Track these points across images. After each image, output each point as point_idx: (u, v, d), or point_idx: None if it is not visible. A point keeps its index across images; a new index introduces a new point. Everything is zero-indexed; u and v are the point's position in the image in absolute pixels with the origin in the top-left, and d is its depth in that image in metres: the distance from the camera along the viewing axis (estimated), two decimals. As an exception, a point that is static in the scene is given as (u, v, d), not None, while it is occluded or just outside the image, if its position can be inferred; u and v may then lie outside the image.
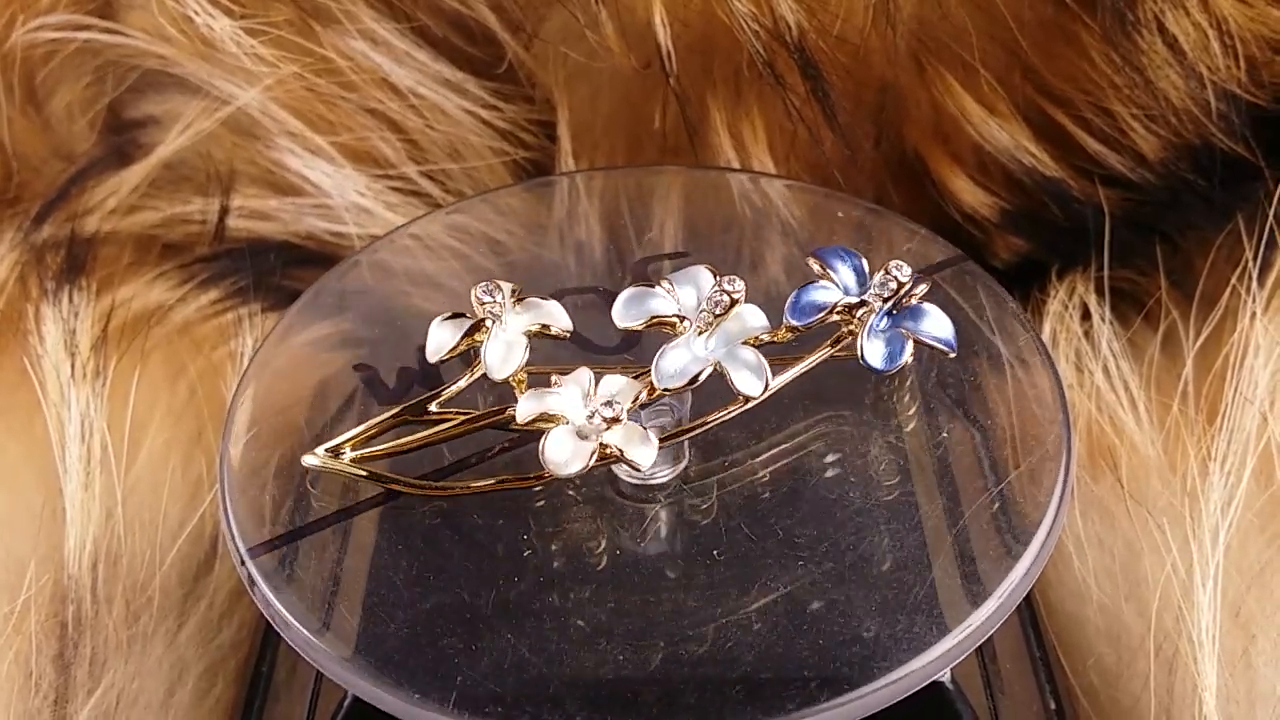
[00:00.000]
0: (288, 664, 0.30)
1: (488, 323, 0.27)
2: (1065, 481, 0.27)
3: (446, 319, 0.27)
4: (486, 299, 0.27)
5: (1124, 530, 0.33)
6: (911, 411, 0.28)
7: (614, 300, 0.27)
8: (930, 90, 0.38)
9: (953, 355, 0.28)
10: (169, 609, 0.32)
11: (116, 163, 0.40)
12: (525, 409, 0.26)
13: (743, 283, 0.27)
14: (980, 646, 0.28)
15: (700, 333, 0.26)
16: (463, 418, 0.27)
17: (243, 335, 0.38)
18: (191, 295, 0.39)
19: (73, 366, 0.35)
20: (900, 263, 0.28)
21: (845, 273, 0.28)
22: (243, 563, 0.26)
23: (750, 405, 0.26)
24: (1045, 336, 0.37)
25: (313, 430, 0.28)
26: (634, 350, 0.29)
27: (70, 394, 0.34)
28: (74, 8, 0.39)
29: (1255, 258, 0.36)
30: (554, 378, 0.26)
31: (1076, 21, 0.37)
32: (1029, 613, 0.32)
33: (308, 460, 0.26)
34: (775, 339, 0.27)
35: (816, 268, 0.28)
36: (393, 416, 0.27)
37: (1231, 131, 0.38)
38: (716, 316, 0.26)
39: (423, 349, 0.27)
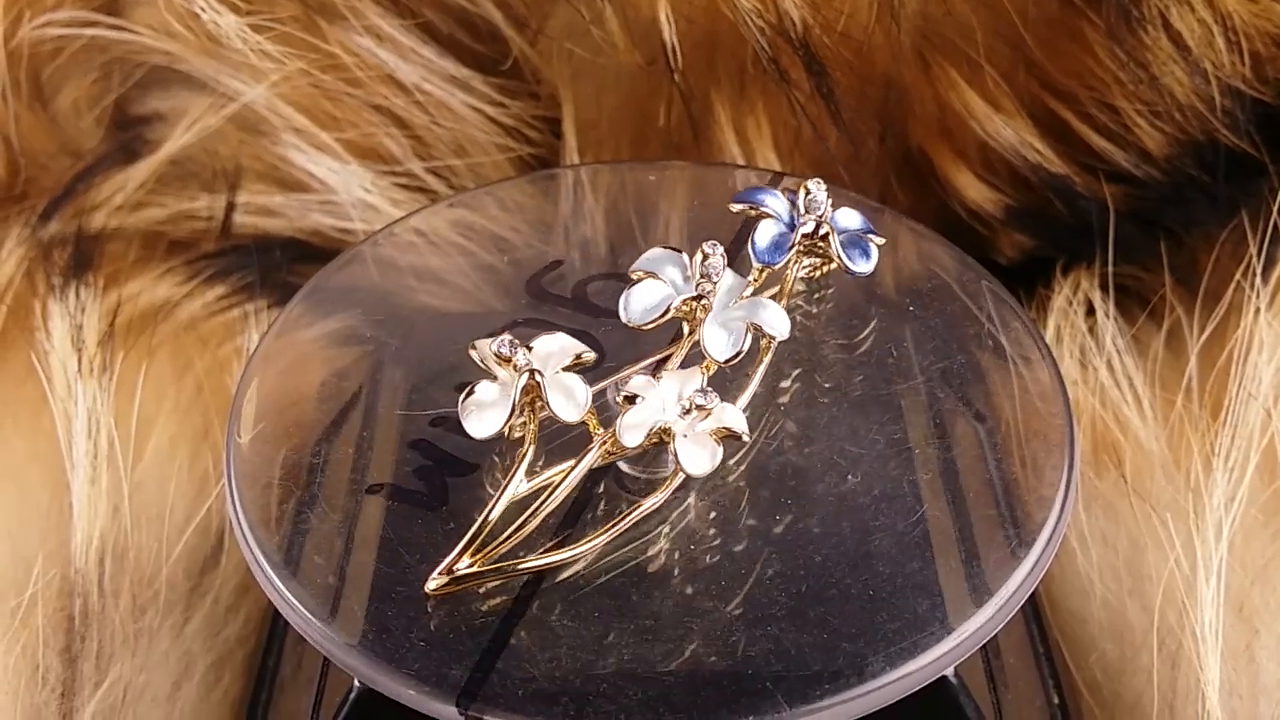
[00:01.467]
0: (294, 657, 0.30)
1: (535, 377, 0.25)
2: (1069, 480, 0.27)
3: (471, 396, 0.25)
4: (509, 352, 0.25)
5: (1128, 526, 0.33)
6: (915, 408, 0.28)
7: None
8: (935, 86, 0.38)
9: (880, 240, 0.29)
10: (175, 603, 0.32)
11: (123, 159, 0.40)
12: (632, 434, 0.25)
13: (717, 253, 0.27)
14: (985, 643, 0.28)
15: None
16: (564, 473, 0.25)
17: (249, 331, 0.38)
18: (198, 291, 0.39)
19: (79, 362, 0.35)
20: (816, 182, 0.29)
21: (777, 204, 0.28)
22: (250, 549, 0.26)
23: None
24: (1050, 333, 0.37)
25: (321, 412, 0.28)
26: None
27: (77, 389, 0.34)
28: (80, 4, 0.39)
29: (1259, 254, 0.36)
30: (609, 393, 0.26)
31: (1081, 17, 0.37)
32: (1033, 608, 0.32)
33: (431, 587, 0.24)
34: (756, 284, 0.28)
35: (750, 211, 0.28)
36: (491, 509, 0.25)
37: (1236, 127, 0.38)
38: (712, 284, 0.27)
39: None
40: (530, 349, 0.25)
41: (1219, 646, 0.30)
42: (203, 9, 0.37)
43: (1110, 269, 0.38)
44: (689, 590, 0.25)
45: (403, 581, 0.25)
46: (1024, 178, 0.39)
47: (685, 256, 0.27)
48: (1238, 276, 0.36)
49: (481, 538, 0.24)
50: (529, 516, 0.25)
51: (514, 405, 0.25)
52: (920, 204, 0.40)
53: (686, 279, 0.27)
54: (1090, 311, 0.38)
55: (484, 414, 0.25)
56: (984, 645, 0.28)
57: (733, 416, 0.26)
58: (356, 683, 0.25)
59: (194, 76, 0.39)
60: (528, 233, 0.33)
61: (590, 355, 0.26)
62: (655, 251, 0.27)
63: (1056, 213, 0.39)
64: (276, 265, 0.40)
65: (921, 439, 0.28)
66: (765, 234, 0.28)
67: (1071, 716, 0.31)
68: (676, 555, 0.25)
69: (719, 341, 0.26)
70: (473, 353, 0.26)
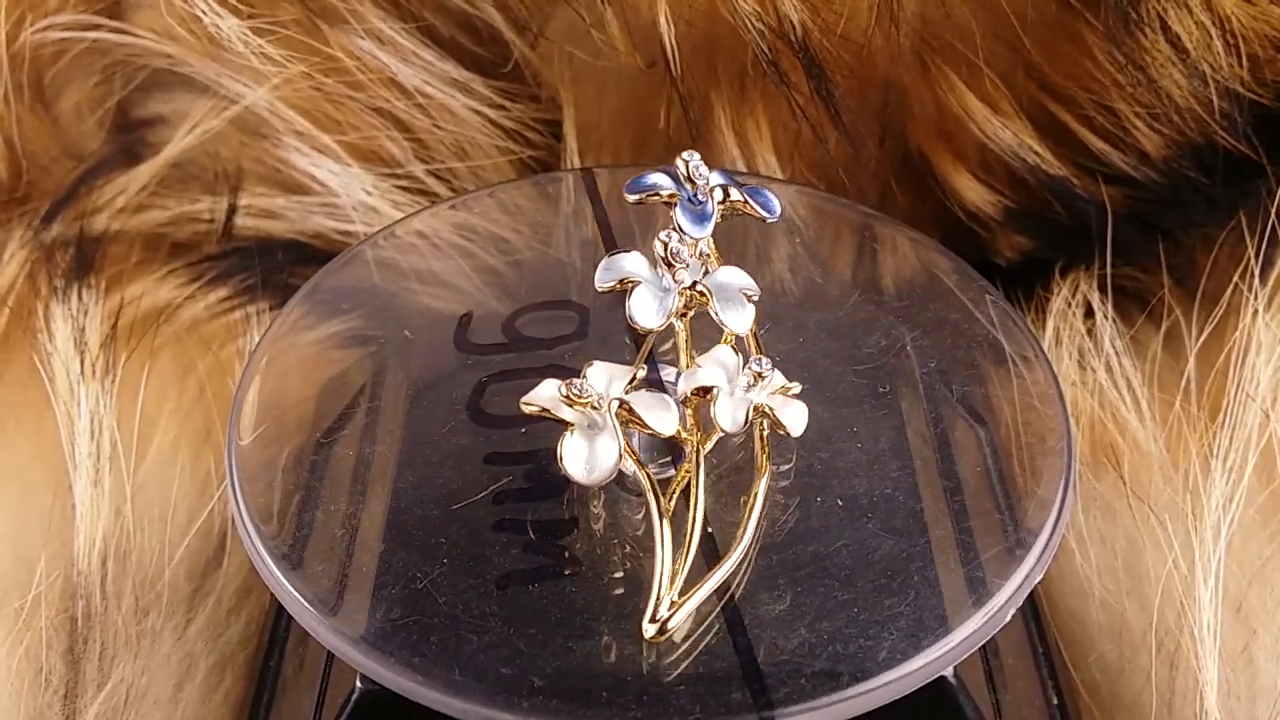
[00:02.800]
0: (296, 659, 0.31)
1: (623, 405, 0.25)
2: (1067, 481, 0.27)
3: (569, 441, 0.25)
4: (583, 391, 0.25)
5: (1126, 526, 0.33)
6: (914, 410, 0.29)
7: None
8: (934, 89, 0.38)
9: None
10: (178, 604, 0.32)
11: (125, 162, 0.40)
12: (731, 419, 0.25)
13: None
14: (984, 643, 0.28)
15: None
16: (681, 483, 0.25)
17: (251, 333, 0.38)
18: (200, 293, 0.39)
19: (82, 364, 0.35)
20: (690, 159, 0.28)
21: (660, 178, 0.28)
22: (253, 542, 0.26)
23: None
24: (1048, 334, 0.37)
25: (322, 413, 0.28)
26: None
27: (80, 391, 0.34)
28: (82, 7, 0.39)
29: (1257, 255, 0.36)
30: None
31: (1079, 20, 0.37)
32: (1031, 609, 0.32)
33: (649, 632, 0.24)
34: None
35: (641, 198, 0.28)
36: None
37: (1234, 129, 0.38)
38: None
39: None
40: (592, 375, 0.25)
41: (1217, 647, 0.30)
42: (204, 12, 0.37)
43: (1109, 270, 0.38)
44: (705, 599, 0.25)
45: (406, 576, 0.25)
46: (1022, 179, 0.39)
47: (639, 256, 0.27)
48: (1236, 278, 0.36)
49: (667, 572, 0.24)
50: (689, 536, 0.25)
51: (617, 434, 0.25)
52: (919, 206, 0.40)
53: (657, 273, 0.27)
54: (1089, 313, 0.38)
55: (596, 454, 0.25)
56: (983, 646, 0.28)
57: (779, 375, 0.26)
58: (358, 684, 0.25)
59: (196, 79, 0.39)
60: (528, 234, 0.33)
61: (642, 373, 0.26)
62: (613, 261, 0.27)
63: (1055, 214, 0.39)
64: (278, 267, 0.40)
65: (921, 441, 0.28)
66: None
67: (1070, 717, 0.31)
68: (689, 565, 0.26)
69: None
70: (529, 408, 0.25)
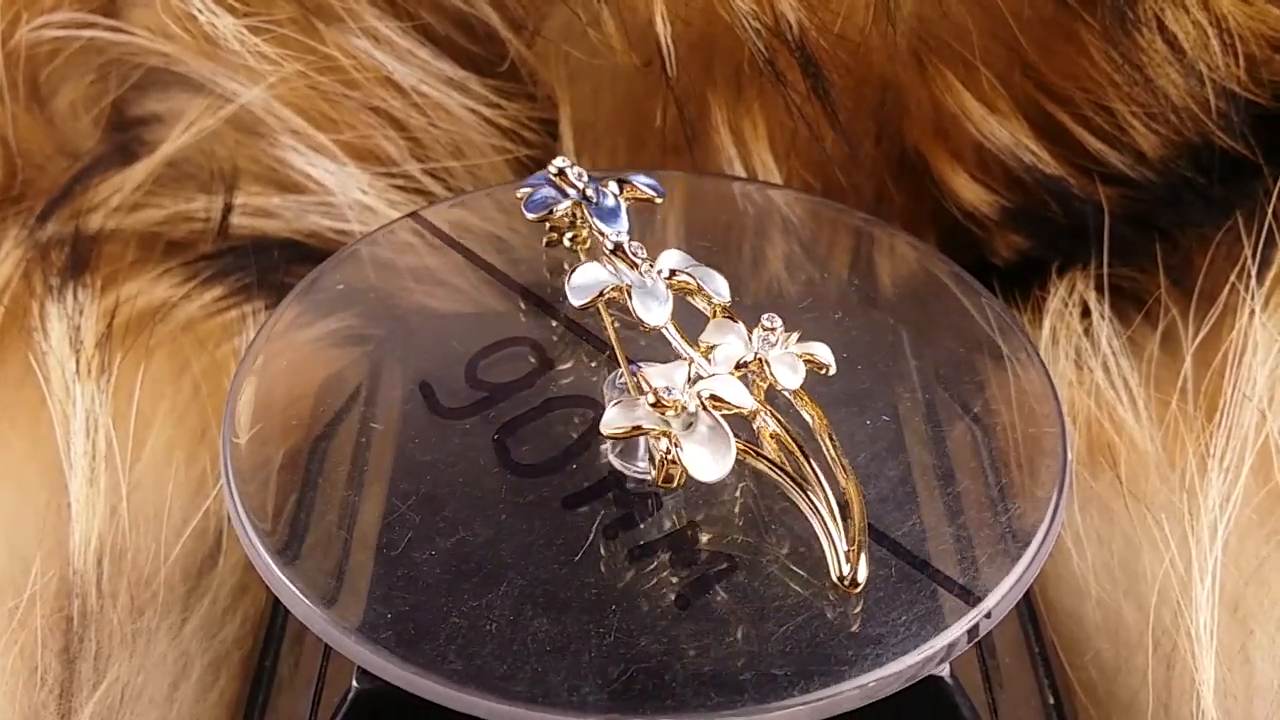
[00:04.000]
0: (291, 658, 0.31)
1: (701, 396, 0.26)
2: (1063, 481, 0.27)
3: (692, 438, 0.25)
4: (672, 397, 0.25)
5: (1123, 526, 0.33)
6: (911, 411, 0.29)
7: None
8: (931, 88, 0.38)
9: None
10: (173, 604, 0.32)
11: (120, 160, 0.40)
12: (791, 376, 0.26)
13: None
14: (980, 642, 0.28)
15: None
16: (781, 453, 0.26)
17: (246, 332, 0.38)
18: (195, 292, 0.39)
19: (77, 363, 0.35)
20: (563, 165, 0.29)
21: (549, 192, 0.29)
22: (249, 536, 0.26)
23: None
24: (1045, 334, 0.38)
25: (318, 411, 0.28)
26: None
27: (75, 390, 0.34)
28: (78, 6, 0.39)
29: (1254, 255, 0.36)
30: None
31: (1076, 19, 0.37)
32: (1028, 608, 0.32)
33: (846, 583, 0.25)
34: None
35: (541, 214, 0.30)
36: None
37: (1231, 129, 0.38)
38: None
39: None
40: (653, 378, 0.25)
41: (1214, 646, 0.30)
42: (200, 11, 0.37)
43: (1105, 270, 0.38)
44: (687, 585, 0.25)
45: (403, 570, 0.25)
46: (1019, 179, 0.39)
47: (598, 266, 0.27)
48: (1232, 278, 0.36)
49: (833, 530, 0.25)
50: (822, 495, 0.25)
51: (720, 423, 0.25)
52: (916, 205, 0.40)
53: (639, 274, 0.27)
54: (1085, 313, 0.38)
55: (716, 448, 0.25)
56: (980, 645, 0.28)
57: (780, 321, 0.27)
58: (354, 683, 0.25)
59: (191, 78, 0.39)
60: (526, 233, 0.33)
61: (695, 361, 0.26)
62: (578, 278, 0.27)
63: (1052, 214, 0.39)
64: (274, 266, 0.40)
65: (917, 441, 0.28)
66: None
67: (1066, 716, 0.31)
68: (673, 551, 0.26)
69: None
70: (615, 431, 0.25)
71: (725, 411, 0.25)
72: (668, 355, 0.27)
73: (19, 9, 0.39)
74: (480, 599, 0.25)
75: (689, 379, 0.25)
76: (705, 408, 0.25)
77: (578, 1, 0.37)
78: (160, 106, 0.40)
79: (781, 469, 0.26)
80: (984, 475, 0.27)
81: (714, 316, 0.27)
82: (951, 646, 0.24)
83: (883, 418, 0.28)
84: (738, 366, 0.26)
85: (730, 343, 0.26)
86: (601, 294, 0.27)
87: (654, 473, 0.25)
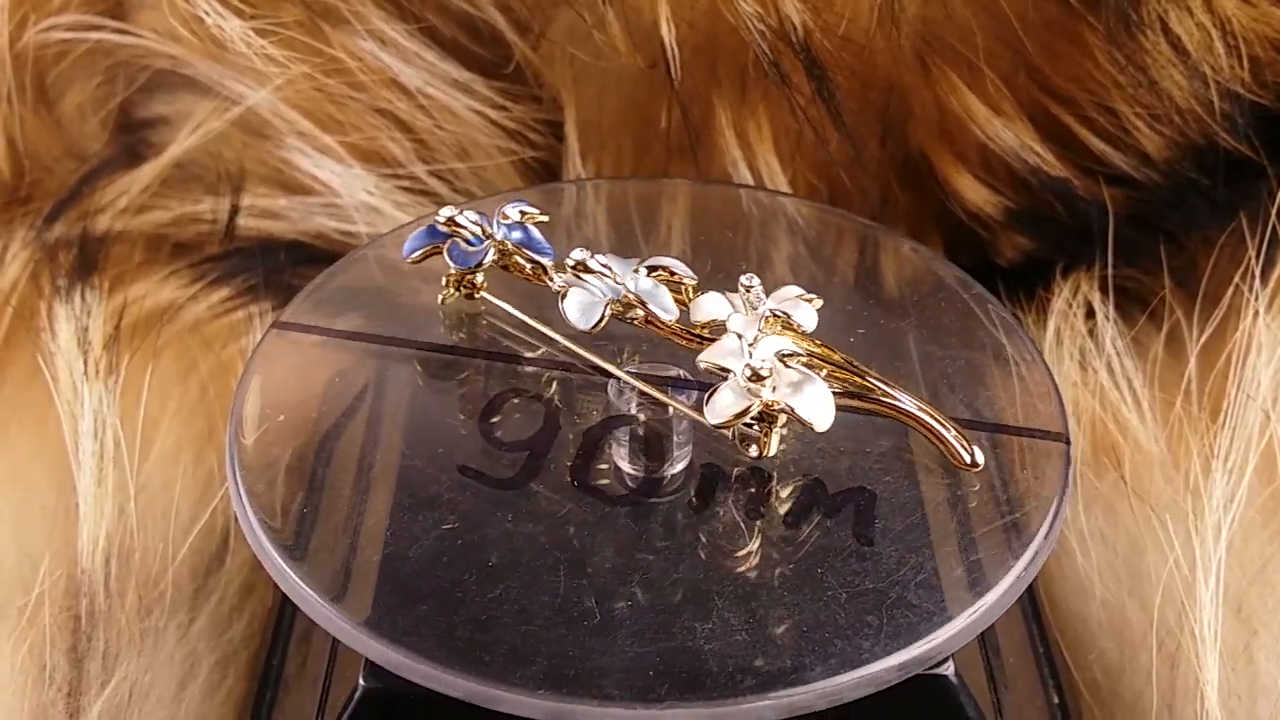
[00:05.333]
0: (299, 657, 0.31)
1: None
2: (1066, 477, 0.27)
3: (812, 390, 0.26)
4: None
5: (1127, 526, 0.33)
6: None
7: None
8: (935, 90, 0.38)
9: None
10: (181, 603, 0.32)
11: (128, 162, 0.40)
12: (809, 319, 0.28)
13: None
14: (984, 641, 0.28)
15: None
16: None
17: (253, 333, 0.38)
18: (202, 293, 0.39)
19: (85, 363, 0.35)
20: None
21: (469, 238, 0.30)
22: (254, 531, 0.26)
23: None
24: (1050, 334, 0.38)
25: (325, 411, 0.29)
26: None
27: (83, 390, 0.35)
28: (85, 8, 0.39)
29: (1258, 256, 0.36)
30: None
31: (1081, 21, 0.37)
32: (1032, 608, 0.32)
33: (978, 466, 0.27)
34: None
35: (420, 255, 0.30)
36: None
37: (1235, 131, 0.38)
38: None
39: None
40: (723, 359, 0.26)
41: (1217, 646, 0.30)
42: (207, 13, 0.37)
43: (1110, 271, 0.39)
44: (690, 579, 0.25)
45: (410, 566, 0.25)
46: (1024, 180, 0.39)
47: (591, 290, 0.28)
48: (1236, 279, 0.36)
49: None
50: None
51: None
52: (921, 207, 0.40)
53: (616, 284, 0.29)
54: (1090, 314, 0.38)
55: (821, 399, 0.26)
56: (984, 644, 0.28)
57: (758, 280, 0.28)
58: (361, 682, 0.25)
59: (198, 80, 0.39)
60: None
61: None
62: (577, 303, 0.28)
63: (1056, 215, 0.39)
64: (280, 268, 0.40)
65: (922, 442, 0.28)
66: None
67: (1071, 716, 0.31)
68: (678, 546, 0.26)
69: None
70: (724, 419, 0.26)
71: (797, 362, 0.26)
72: (656, 356, 0.29)
73: (27, 11, 0.39)
74: (488, 594, 0.25)
75: (751, 345, 0.26)
76: (787, 365, 0.26)
77: (583, 4, 0.37)
78: (167, 108, 0.40)
79: (863, 396, 0.27)
80: (988, 471, 0.27)
81: (689, 298, 0.28)
82: (956, 636, 0.24)
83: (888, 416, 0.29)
84: (770, 319, 0.27)
85: (723, 308, 0.27)
86: (603, 316, 0.28)
87: (753, 449, 0.27)
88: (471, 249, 0.30)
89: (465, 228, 0.30)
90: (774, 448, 0.27)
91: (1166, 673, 0.30)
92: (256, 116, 0.39)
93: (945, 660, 0.25)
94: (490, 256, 0.30)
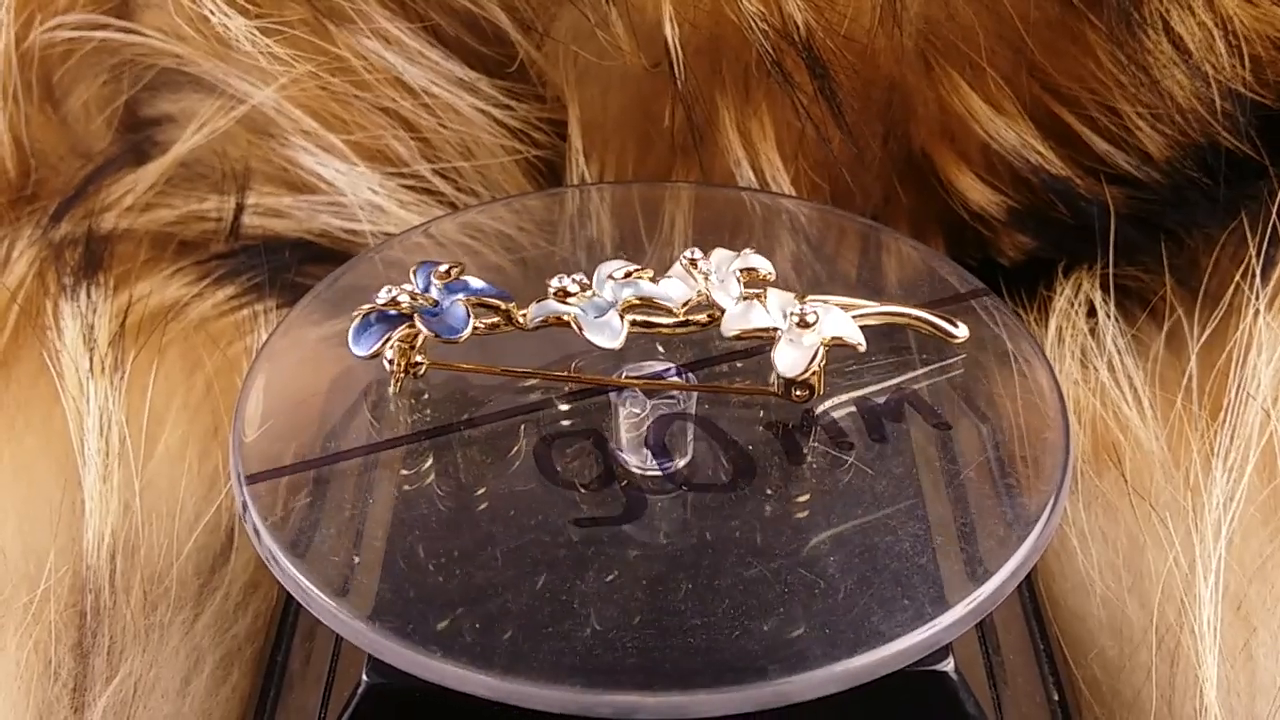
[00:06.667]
0: (303, 653, 0.31)
1: None
2: (1065, 470, 0.27)
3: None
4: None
5: (1127, 524, 0.33)
6: (919, 408, 0.29)
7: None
8: (937, 89, 0.38)
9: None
10: (186, 599, 0.32)
11: (133, 160, 0.40)
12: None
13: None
14: (984, 638, 0.28)
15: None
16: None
17: (258, 331, 0.39)
18: (208, 291, 0.40)
19: (91, 361, 0.35)
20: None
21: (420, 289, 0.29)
22: (259, 534, 0.26)
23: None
24: (1051, 333, 0.38)
25: (329, 409, 0.29)
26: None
27: (89, 388, 0.35)
28: (91, 7, 0.39)
29: (1259, 256, 0.36)
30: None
31: (1083, 21, 0.37)
32: (1032, 605, 0.32)
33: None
34: None
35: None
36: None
37: (1236, 130, 0.38)
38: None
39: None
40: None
41: (1217, 644, 0.30)
42: (212, 12, 0.37)
43: (1111, 270, 0.39)
44: (690, 570, 0.25)
45: (413, 562, 0.25)
46: (1026, 179, 0.39)
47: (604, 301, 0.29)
48: (1237, 278, 0.36)
49: None
50: None
51: None
52: (923, 205, 0.40)
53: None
54: (1091, 312, 0.38)
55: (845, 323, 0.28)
56: (984, 641, 0.28)
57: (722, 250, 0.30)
58: (364, 677, 0.25)
59: (203, 79, 0.39)
60: (534, 233, 0.34)
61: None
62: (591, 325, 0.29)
63: (1058, 214, 0.39)
64: (285, 266, 0.40)
65: (924, 436, 0.28)
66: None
67: (1071, 713, 0.31)
68: (678, 538, 0.26)
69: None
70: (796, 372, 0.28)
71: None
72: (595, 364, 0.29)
73: (33, 10, 0.39)
74: (491, 589, 0.25)
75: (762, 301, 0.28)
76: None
77: (586, 3, 0.37)
78: (173, 107, 0.40)
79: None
80: (989, 467, 0.27)
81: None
82: (955, 624, 0.25)
83: (891, 414, 0.29)
84: (742, 274, 0.28)
85: (685, 288, 0.29)
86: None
87: (796, 391, 0.28)
88: (438, 315, 0.29)
89: (410, 301, 0.29)
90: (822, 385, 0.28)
91: (1166, 670, 0.30)
92: (261, 115, 0.39)
93: (945, 656, 0.25)
94: (469, 328, 0.29)
